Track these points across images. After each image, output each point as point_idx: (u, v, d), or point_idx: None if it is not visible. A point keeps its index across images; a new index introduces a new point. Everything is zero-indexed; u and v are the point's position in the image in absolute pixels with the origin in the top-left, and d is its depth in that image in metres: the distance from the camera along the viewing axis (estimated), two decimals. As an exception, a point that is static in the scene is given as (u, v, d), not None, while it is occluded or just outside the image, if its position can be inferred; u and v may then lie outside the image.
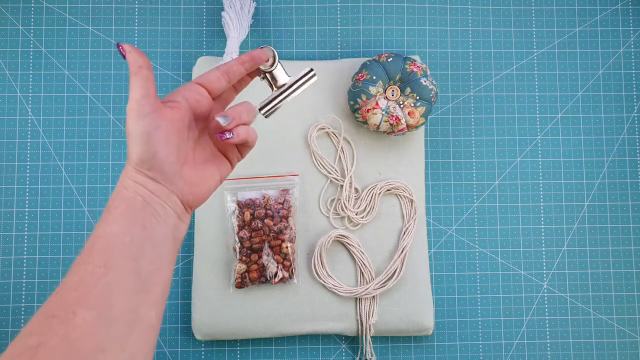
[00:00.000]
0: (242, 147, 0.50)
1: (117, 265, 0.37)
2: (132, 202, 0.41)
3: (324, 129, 0.71)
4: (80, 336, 0.33)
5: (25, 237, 0.71)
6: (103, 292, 0.35)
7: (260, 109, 0.54)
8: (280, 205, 0.68)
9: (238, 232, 0.67)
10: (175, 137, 0.43)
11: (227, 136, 0.46)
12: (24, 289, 0.70)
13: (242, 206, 0.68)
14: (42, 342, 0.32)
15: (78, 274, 0.36)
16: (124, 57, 0.44)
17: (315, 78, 0.57)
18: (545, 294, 0.73)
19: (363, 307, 0.68)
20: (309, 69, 0.56)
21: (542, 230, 0.74)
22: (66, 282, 0.36)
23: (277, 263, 0.67)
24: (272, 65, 0.55)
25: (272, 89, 0.56)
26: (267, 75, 0.56)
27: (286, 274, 0.67)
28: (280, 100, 0.57)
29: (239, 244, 0.67)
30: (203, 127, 0.48)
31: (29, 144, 0.72)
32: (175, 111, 0.44)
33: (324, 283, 0.68)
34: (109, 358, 0.34)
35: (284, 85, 0.56)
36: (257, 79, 0.56)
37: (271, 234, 0.67)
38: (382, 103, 0.67)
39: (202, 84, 0.47)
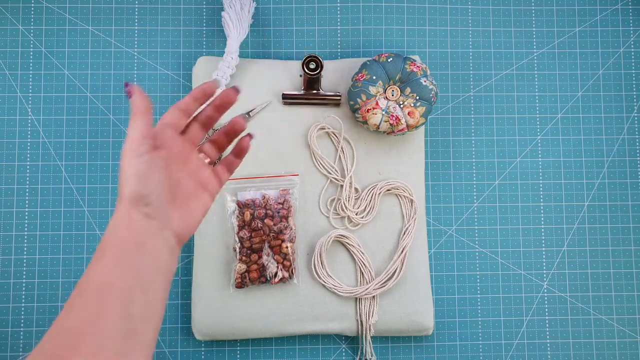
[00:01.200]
0: (225, 175, 0.54)
1: (109, 311, 0.39)
2: (126, 243, 0.42)
3: (324, 129, 0.71)
4: None
5: (25, 237, 0.71)
6: (96, 338, 0.38)
7: (284, 95, 0.70)
8: (280, 205, 0.68)
9: (238, 232, 0.67)
10: (167, 174, 0.47)
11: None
12: (24, 289, 0.70)
13: (242, 206, 0.68)
14: None
15: (74, 316, 0.39)
16: (130, 97, 0.47)
17: (339, 102, 0.70)
18: (545, 294, 0.73)
19: (363, 307, 0.68)
20: (340, 93, 0.69)
21: (542, 230, 0.74)
22: (63, 324, 0.38)
23: (277, 263, 0.67)
24: (313, 72, 0.67)
25: (302, 88, 0.69)
26: (306, 77, 0.67)
27: (286, 274, 0.67)
28: (303, 100, 0.69)
29: (239, 244, 0.67)
30: (181, 165, 0.51)
31: (29, 144, 0.72)
32: (165, 151, 0.47)
33: (324, 283, 0.68)
34: None
35: (313, 91, 0.68)
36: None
37: (271, 234, 0.67)
38: (382, 103, 0.67)
39: (171, 124, 0.49)
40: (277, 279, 0.66)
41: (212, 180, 0.52)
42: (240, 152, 0.54)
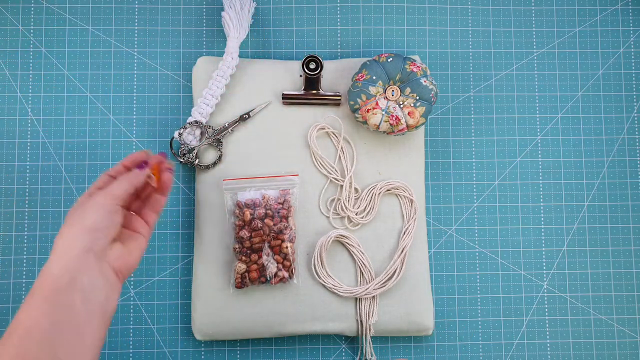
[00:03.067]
0: (147, 217, 0.56)
1: (34, 355, 0.37)
2: (58, 281, 0.41)
3: (324, 129, 0.71)
4: None
5: (25, 237, 0.71)
6: None
7: (284, 95, 0.70)
8: (280, 205, 0.68)
9: (238, 232, 0.67)
10: (121, 219, 0.51)
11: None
12: (23, 288, 0.70)
13: (242, 206, 0.68)
14: None
15: None
16: (142, 166, 0.53)
17: (339, 102, 0.71)
18: (545, 294, 0.73)
19: (363, 307, 0.68)
20: (340, 93, 0.70)
21: (542, 230, 0.74)
22: None
23: (277, 263, 0.67)
24: (313, 72, 0.68)
25: (302, 88, 0.70)
26: (306, 77, 0.68)
27: (286, 274, 0.67)
28: (303, 100, 0.70)
29: (239, 244, 0.67)
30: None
31: (29, 144, 0.72)
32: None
33: (324, 283, 0.68)
34: None
35: (313, 91, 0.69)
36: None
37: (271, 234, 0.67)
38: (382, 103, 0.67)
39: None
40: (277, 279, 0.66)
41: (142, 224, 0.55)
42: (164, 189, 0.57)
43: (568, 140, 0.75)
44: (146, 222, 0.55)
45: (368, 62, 0.69)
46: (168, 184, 0.56)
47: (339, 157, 0.71)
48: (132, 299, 0.71)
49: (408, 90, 0.67)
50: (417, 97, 0.67)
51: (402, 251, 0.69)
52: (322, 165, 0.71)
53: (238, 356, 0.71)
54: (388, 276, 0.68)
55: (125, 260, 0.50)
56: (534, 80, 0.76)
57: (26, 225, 0.71)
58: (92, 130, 0.73)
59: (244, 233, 0.67)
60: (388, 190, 0.70)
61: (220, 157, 0.70)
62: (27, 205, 0.71)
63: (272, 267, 0.66)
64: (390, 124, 0.67)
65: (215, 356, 0.71)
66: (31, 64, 0.73)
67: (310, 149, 0.71)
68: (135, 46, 0.74)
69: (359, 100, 0.67)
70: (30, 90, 0.73)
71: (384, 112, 0.67)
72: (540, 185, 0.74)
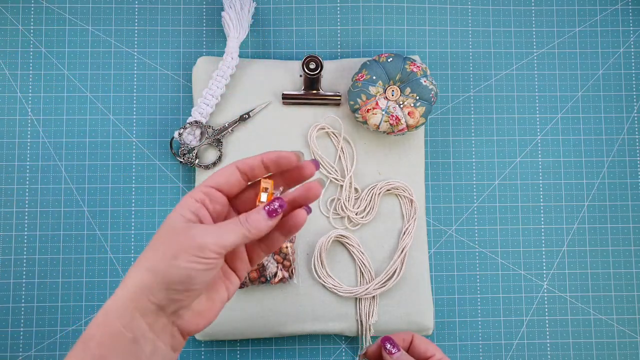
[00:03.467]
0: (255, 254, 0.44)
1: None
2: (117, 340, 0.35)
3: (324, 129, 0.71)
4: None
5: (25, 237, 0.71)
6: None
7: (284, 95, 0.69)
8: (280, 205, 0.68)
9: (238, 232, 0.67)
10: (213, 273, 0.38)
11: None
12: (23, 288, 0.70)
13: (242, 206, 0.68)
14: None
15: None
16: (272, 215, 0.39)
17: (339, 102, 0.70)
18: (545, 294, 0.73)
19: (363, 307, 0.68)
20: (340, 93, 0.70)
21: (542, 230, 0.74)
22: None
23: (277, 263, 0.67)
24: (313, 72, 0.68)
25: (302, 88, 0.69)
26: (306, 77, 0.68)
27: (286, 274, 0.67)
28: (303, 100, 0.70)
29: (239, 244, 0.67)
30: None
31: (29, 144, 0.72)
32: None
33: (324, 283, 0.68)
34: None
35: (313, 91, 0.69)
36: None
37: (271, 234, 0.67)
38: (382, 103, 0.67)
39: (222, 189, 0.40)
40: (277, 279, 0.66)
41: (244, 261, 0.42)
42: (292, 229, 0.43)
43: (568, 140, 0.75)
44: (249, 259, 0.43)
45: (368, 62, 0.69)
46: (298, 222, 0.41)
47: (339, 157, 0.71)
48: (132, 299, 0.71)
49: (408, 90, 0.67)
50: (417, 97, 0.67)
51: (402, 251, 0.69)
52: (322, 165, 0.71)
53: (238, 356, 0.71)
54: (388, 276, 0.68)
55: (203, 318, 0.39)
56: (534, 80, 0.76)
57: (26, 225, 0.71)
58: (92, 130, 0.73)
59: (244, 233, 0.67)
60: (388, 190, 0.70)
61: (220, 157, 0.70)
62: (27, 205, 0.71)
63: (272, 267, 0.66)
64: (390, 124, 0.67)
65: (215, 356, 0.71)
66: (31, 64, 0.73)
67: (310, 149, 0.71)
68: (135, 46, 0.74)
69: (359, 100, 0.67)
70: (30, 90, 0.73)
71: (384, 112, 0.67)
72: (540, 185, 0.74)
